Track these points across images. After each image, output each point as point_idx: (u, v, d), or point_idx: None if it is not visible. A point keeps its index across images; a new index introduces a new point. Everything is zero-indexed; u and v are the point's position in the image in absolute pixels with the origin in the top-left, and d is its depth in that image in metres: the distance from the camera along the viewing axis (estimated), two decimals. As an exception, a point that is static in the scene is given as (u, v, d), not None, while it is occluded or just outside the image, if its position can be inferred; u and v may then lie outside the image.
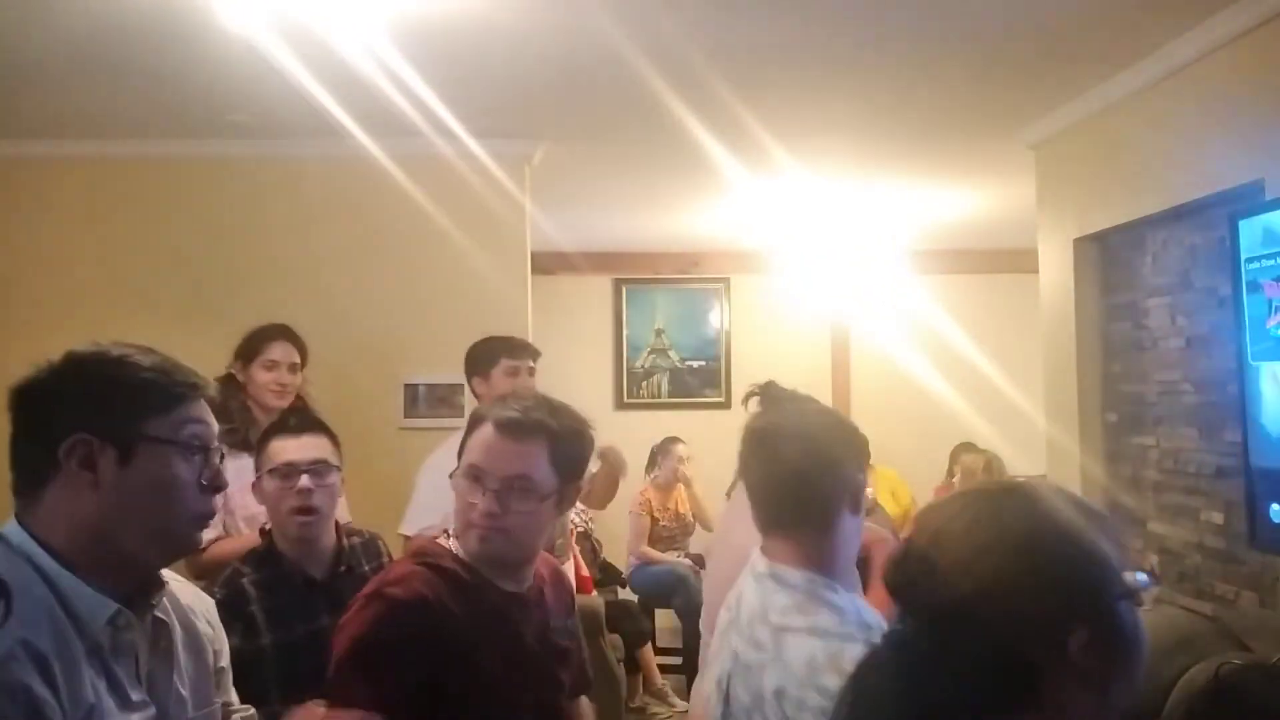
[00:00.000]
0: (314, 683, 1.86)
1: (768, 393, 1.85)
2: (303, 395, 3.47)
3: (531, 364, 3.62)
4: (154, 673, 1.38)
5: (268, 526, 2.55)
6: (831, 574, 1.69)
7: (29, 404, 1.36)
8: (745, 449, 1.78)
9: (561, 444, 1.79)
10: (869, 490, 5.57)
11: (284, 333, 3.47)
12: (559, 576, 2.01)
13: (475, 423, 1.81)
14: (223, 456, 1.45)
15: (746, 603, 1.73)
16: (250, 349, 3.40)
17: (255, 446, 2.64)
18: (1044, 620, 1.01)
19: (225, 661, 1.62)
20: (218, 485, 1.43)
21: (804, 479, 1.70)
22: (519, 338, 3.77)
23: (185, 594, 1.54)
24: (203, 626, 1.54)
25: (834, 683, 1.55)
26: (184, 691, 1.43)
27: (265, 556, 2.46)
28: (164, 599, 1.44)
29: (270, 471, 2.46)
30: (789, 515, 1.72)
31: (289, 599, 2.41)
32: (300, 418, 2.64)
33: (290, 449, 2.47)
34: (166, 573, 1.47)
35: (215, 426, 1.45)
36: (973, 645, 1.01)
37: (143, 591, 1.39)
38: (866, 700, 1.05)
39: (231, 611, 2.28)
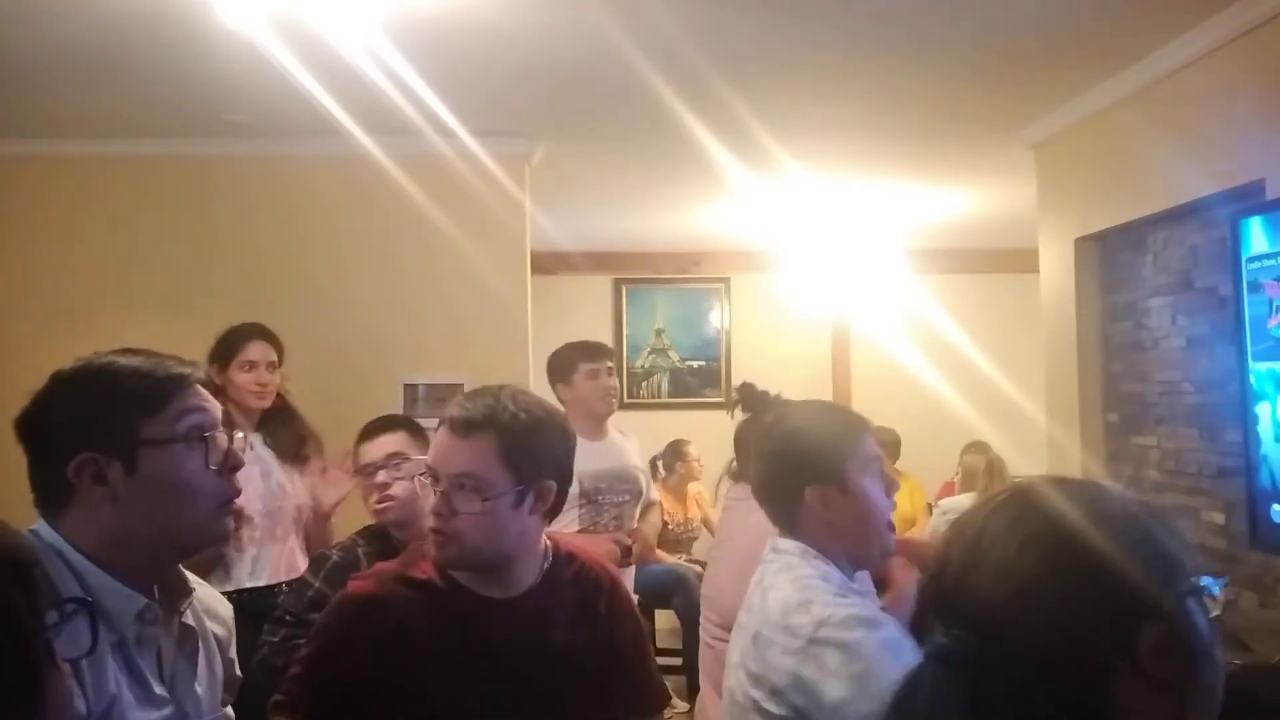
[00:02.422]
0: None
1: (746, 396, 1.90)
2: (282, 393, 3.41)
3: (610, 364, 3.68)
4: (177, 674, 1.41)
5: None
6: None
7: (32, 432, 1.38)
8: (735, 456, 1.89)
9: (513, 439, 1.67)
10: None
11: (259, 331, 3.40)
12: (591, 586, 1.83)
13: (440, 423, 1.76)
14: (232, 436, 1.45)
15: (753, 581, 1.81)
16: (226, 351, 3.33)
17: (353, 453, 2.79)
18: (1103, 619, 0.89)
19: (237, 669, 1.62)
20: (234, 465, 1.43)
21: (768, 490, 1.83)
22: (595, 341, 3.82)
23: (205, 598, 1.55)
24: (220, 630, 1.54)
25: (802, 621, 1.62)
26: (201, 694, 1.45)
27: (375, 534, 2.65)
28: (193, 605, 1.46)
29: (359, 473, 2.70)
30: (778, 518, 1.83)
31: None
32: (372, 422, 2.75)
33: (365, 452, 2.68)
34: (192, 578, 1.49)
35: (216, 408, 1.44)
36: (1017, 653, 0.90)
37: (170, 594, 1.41)
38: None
39: (344, 573, 2.44)
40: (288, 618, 2.55)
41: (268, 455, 3.34)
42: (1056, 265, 4.36)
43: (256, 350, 3.34)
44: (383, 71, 3.38)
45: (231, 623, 1.60)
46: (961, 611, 0.94)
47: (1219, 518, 3.44)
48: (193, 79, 3.59)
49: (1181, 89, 3.45)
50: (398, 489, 2.63)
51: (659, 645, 5.87)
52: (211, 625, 1.52)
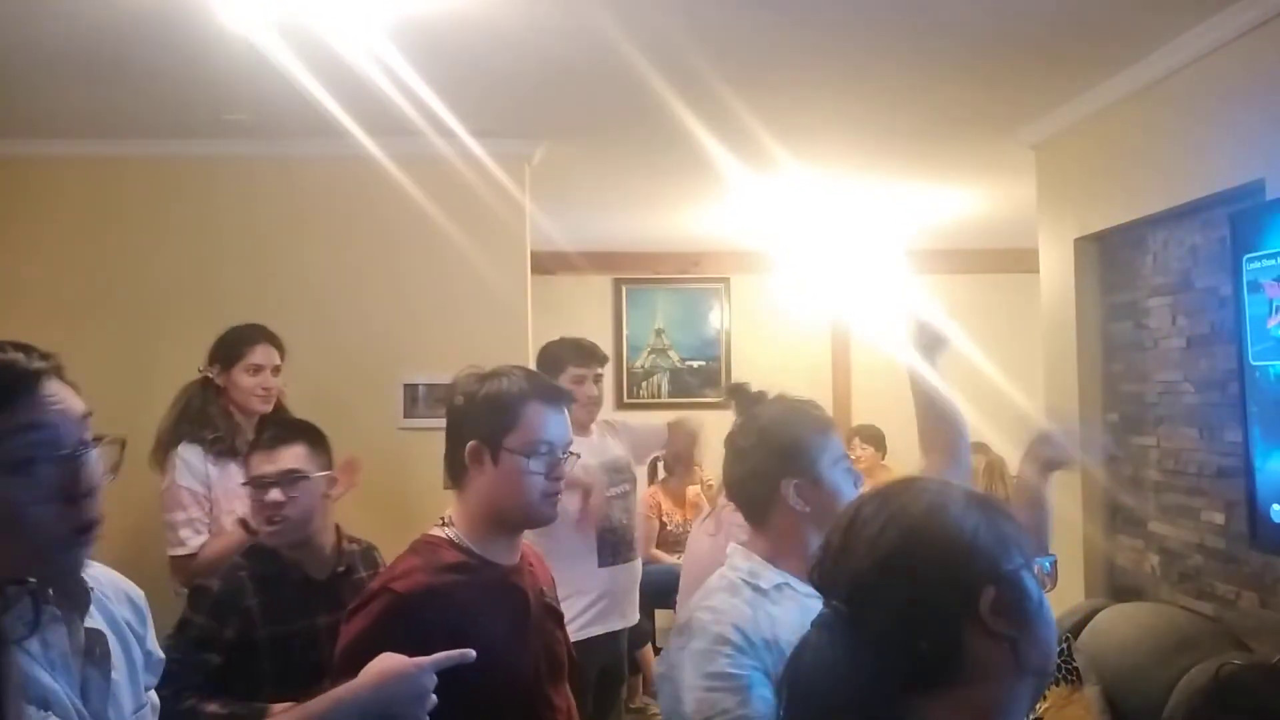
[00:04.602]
0: (309, 678, 1.86)
1: (736, 396, 2.01)
2: (280, 397, 3.39)
3: (599, 370, 3.60)
4: (89, 681, 1.32)
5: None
6: (775, 561, 1.85)
7: None
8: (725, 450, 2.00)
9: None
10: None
11: (264, 334, 3.37)
12: (534, 551, 2.10)
13: (518, 400, 1.93)
14: (85, 451, 1.21)
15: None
16: (231, 353, 3.30)
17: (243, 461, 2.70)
18: (950, 582, 1.08)
19: (159, 652, 1.57)
20: (86, 490, 1.20)
21: (743, 485, 1.93)
22: (588, 342, 3.67)
23: (115, 583, 1.46)
24: (132, 616, 1.46)
25: (705, 615, 1.75)
26: (121, 695, 1.38)
27: (262, 554, 2.52)
28: (103, 605, 1.38)
29: (246, 486, 2.59)
30: (751, 513, 1.93)
31: (287, 595, 2.46)
32: (274, 430, 2.64)
33: (261, 463, 2.54)
34: (93, 565, 1.40)
35: (66, 415, 1.20)
36: (883, 615, 1.08)
37: (68, 604, 1.31)
38: (802, 682, 1.12)
39: (228, 604, 2.39)
40: (173, 667, 2.36)
41: None
42: (1056, 265, 4.36)
43: (262, 354, 3.32)
44: (383, 72, 3.38)
45: (145, 606, 1.52)
46: (839, 584, 1.13)
47: (1219, 518, 3.44)
48: (193, 79, 3.59)
49: (1181, 89, 3.45)
50: (291, 509, 2.47)
51: (658, 645, 5.88)
52: (121, 610, 1.43)
